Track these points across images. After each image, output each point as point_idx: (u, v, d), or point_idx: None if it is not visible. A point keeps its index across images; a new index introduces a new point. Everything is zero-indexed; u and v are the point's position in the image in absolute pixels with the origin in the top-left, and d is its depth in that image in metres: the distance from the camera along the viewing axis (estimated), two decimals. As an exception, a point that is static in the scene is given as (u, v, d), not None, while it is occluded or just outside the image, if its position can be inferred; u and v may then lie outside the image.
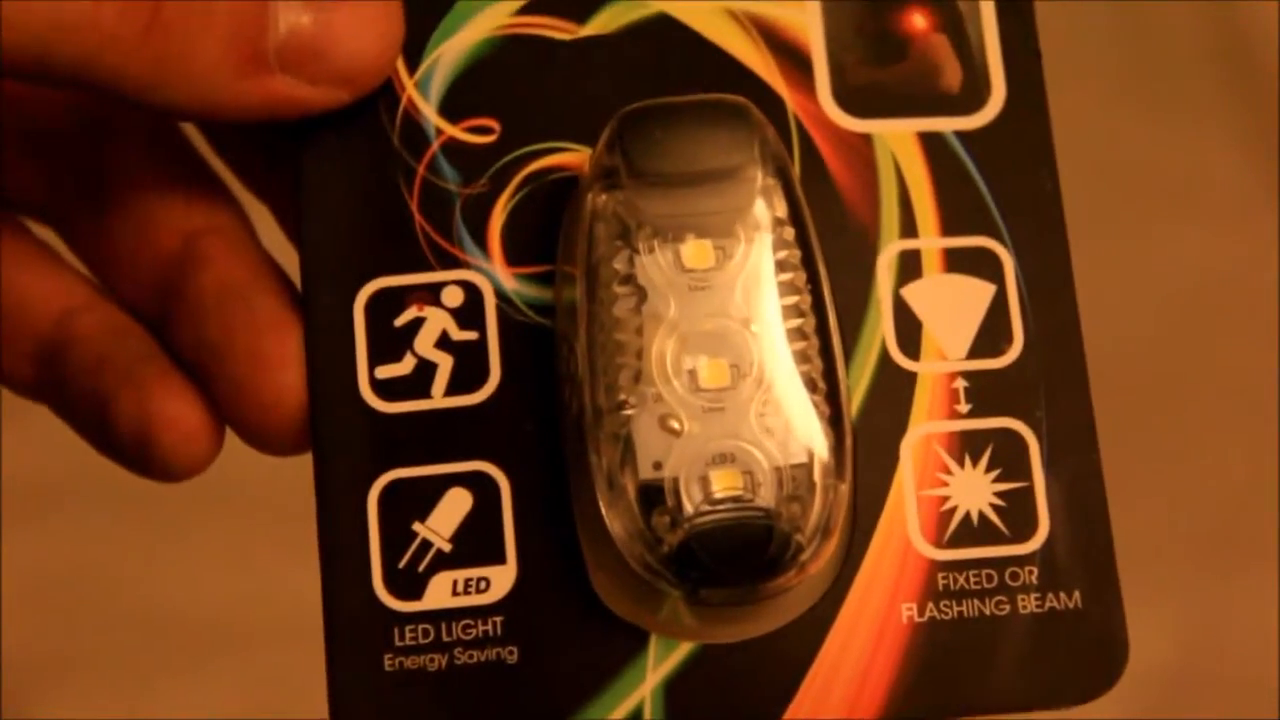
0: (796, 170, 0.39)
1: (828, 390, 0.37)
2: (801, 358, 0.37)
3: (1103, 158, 0.78)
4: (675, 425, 0.37)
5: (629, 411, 0.37)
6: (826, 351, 0.37)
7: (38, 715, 0.81)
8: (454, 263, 0.39)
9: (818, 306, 0.38)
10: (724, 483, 0.37)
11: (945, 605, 0.38)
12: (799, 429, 0.37)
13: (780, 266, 0.38)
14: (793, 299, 0.38)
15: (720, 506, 0.37)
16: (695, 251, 0.38)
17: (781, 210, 0.38)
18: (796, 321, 0.37)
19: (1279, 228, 0.86)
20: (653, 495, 0.37)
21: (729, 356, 0.37)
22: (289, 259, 0.41)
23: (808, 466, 0.37)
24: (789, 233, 0.38)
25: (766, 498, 0.37)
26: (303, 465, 0.84)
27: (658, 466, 0.37)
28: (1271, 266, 0.85)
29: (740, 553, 0.36)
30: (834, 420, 0.37)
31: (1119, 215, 0.79)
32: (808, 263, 0.38)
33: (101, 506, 0.83)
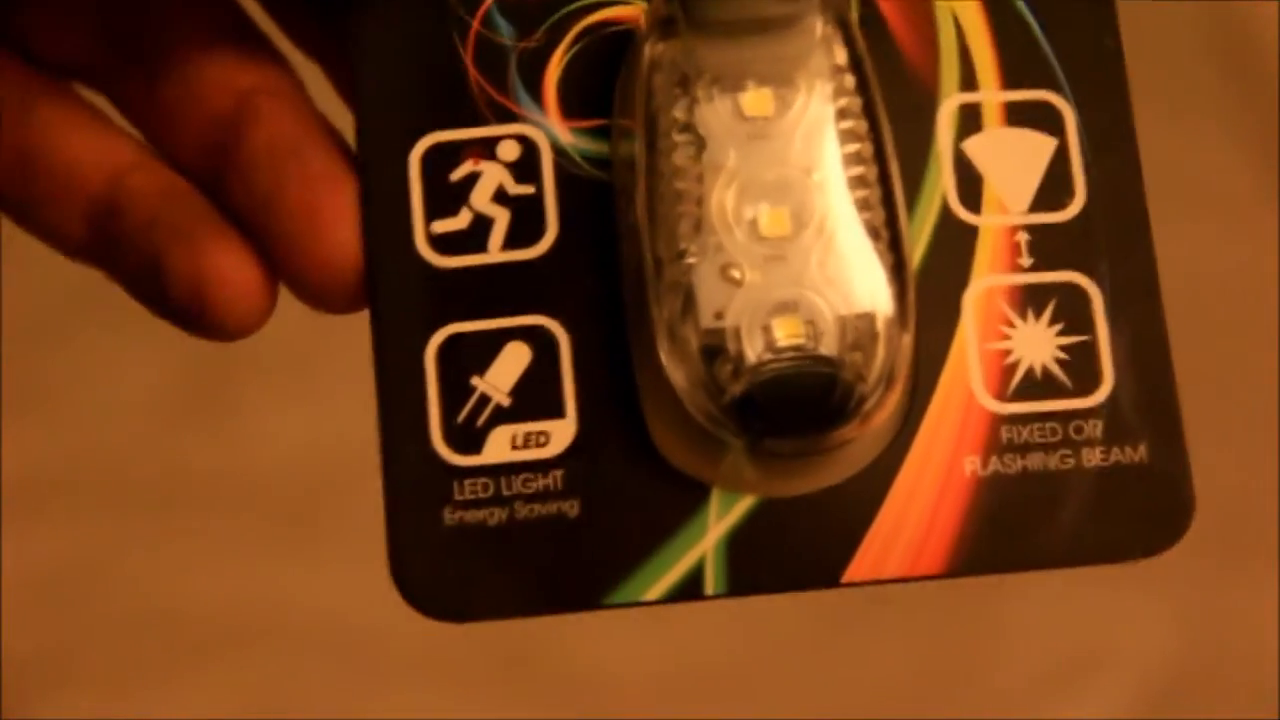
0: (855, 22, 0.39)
1: (890, 239, 0.37)
2: (863, 205, 0.37)
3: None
4: (736, 274, 0.36)
5: (690, 260, 0.37)
6: (888, 200, 0.37)
7: (38, 715, 0.82)
8: (509, 117, 0.39)
9: (879, 155, 0.37)
10: (786, 331, 0.36)
11: (1009, 459, 0.38)
12: (861, 278, 0.37)
13: (840, 114, 0.37)
14: (853, 147, 0.37)
15: (783, 355, 0.36)
16: (755, 99, 0.37)
17: (842, 58, 0.38)
18: (858, 169, 0.37)
19: (1279, 228, 0.86)
20: (715, 344, 0.36)
21: (790, 205, 0.37)
22: (342, 121, 0.40)
23: (870, 316, 0.37)
24: (849, 80, 0.37)
25: (829, 346, 0.36)
26: (303, 464, 0.84)
27: (719, 316, 0.36)
28: (1271, 266, 0.85)
29: (803, 401, 0.36)
30: (896, 269, 0.37)
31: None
32: (868, 111, 0.37)
33: (101, 505, 0.84)
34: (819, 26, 0.37)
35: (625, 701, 0.80)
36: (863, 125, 0.37)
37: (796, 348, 0.36)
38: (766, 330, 0.36)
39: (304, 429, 0.84)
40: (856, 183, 0.37)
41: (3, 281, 0.78)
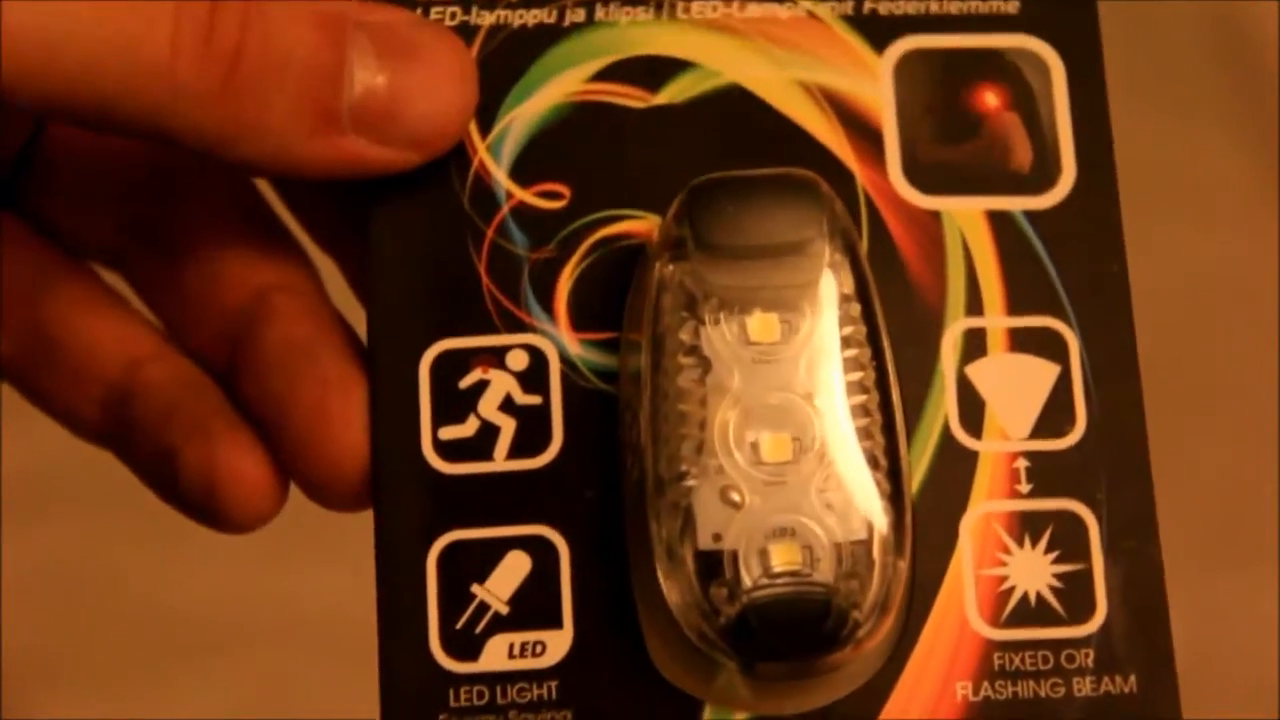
0: (864, 245, 0.39)
1: (889, 467, 0.37)
2: (864, 434, 0.37)
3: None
4: (736, 498, 0.37)
5: (690, 482, 0.37)
6: (889, 428, 0.38)
7: (38, 715, 0.82)
8: (520, 327, 0.39)
9: (881, 383, 0.38)
10: (783, 557, 0.37)
11: (1000, 685, 0.38)
12: (859, 505, 0.37)
13: (845, 342, 0.38)
14: (856, 375, 0.38)
15: (778, 580, 0.37)
16: (761, 325, 0.38)
17: (848, 286, 0.38)
18: (860, 398, 0.38)
19: (1279, 228, 0.86)
20: (711, 566, 0.37)
21: (791, 430, 0.37)
22: (356, 315, 0.41)
23: (867, 543, 0.37)
24: (855, 309, 0.38)
25: (825, 573, 0.37)
26: None
27: (717, 538, 0.37)
28: (1271, 266, 0.85)
29: (797, 627, 0.37)
30: (894, 497, 0.37)
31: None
32: (872, 339, 0.38)
33: (101, 506, 0.83)
34: (827, 253, 0.38)
35: None
36: (866, 353, 0.38)
37: (792, 573, 0.37)
38: (763, 554, 0.37)
39: None
40: (858, 411, 0.38)
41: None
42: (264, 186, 0.43)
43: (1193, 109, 0.89)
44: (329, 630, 0.82)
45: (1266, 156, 0.88)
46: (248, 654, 0.82)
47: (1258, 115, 0.90)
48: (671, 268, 0.38)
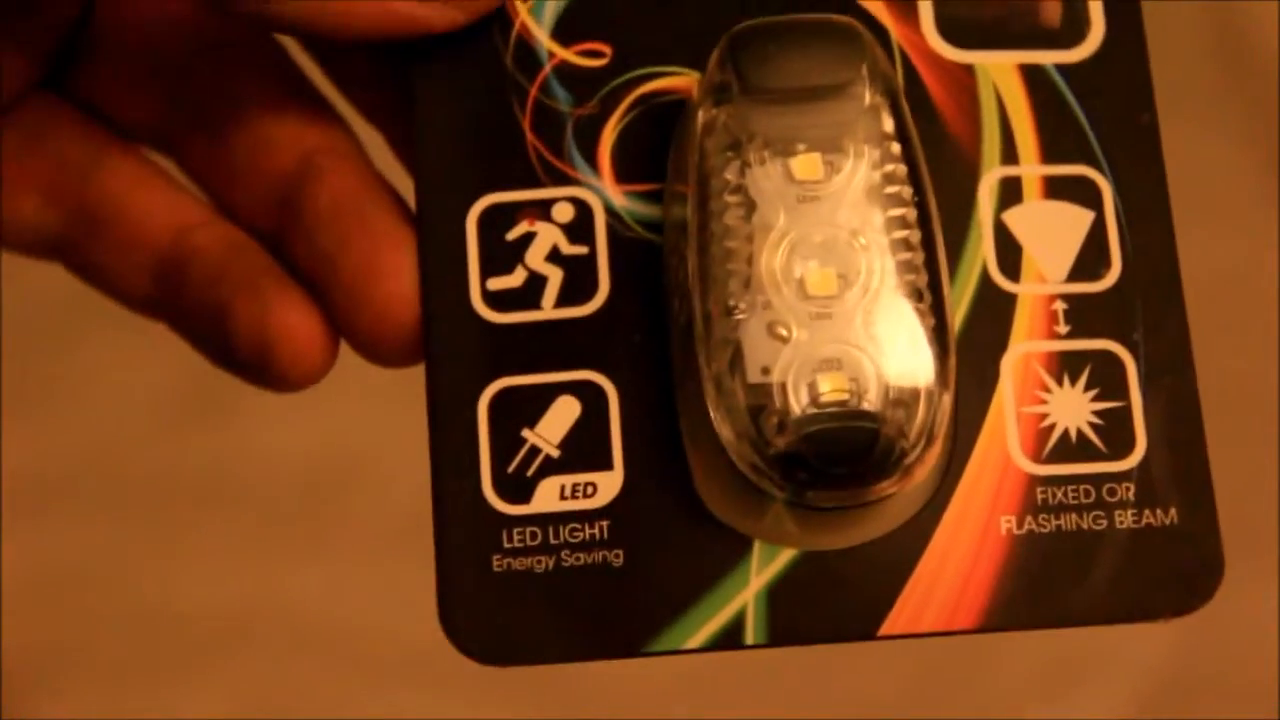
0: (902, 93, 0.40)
1: (932, 301, 0.38)
2: (907, 268, 0.38)
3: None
4: (783, 332, 0.38)
5: (738, 317, 0.38)
6: (931, 263, 0.38)
7: (38, 715, 0.82)
8: (565, 180, 0.40)
9: (923, 220, 0.38)
10: (831, 386, 0.37)
11: (1044, 519, 0.39)
12: (904, 337, 0.38)
13: (887, 180, 0.38)
14: (899, 211, 0.38)
15: (827, 410, 0.37)
16: (805, 164, 0.38)
17: (889, 126, 0.39)
18: (902, 233, 0.38)
19: (1279, 228, 0.87)
20: (761, 399, 0.37)
21: (836, 265, 0.38)
22: (401, 185, 0.42)
23: (912, 373, 0.38)
24: (895, 148, 0.39)
25: (873, 402, 0.37)
26: (304, 465, 0.84)
27: (765, 371, 0.37)
28: (1271, 266, 0.86)
29: (847, 455, 0.37)
30: (938, 330, 0.38)
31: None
32: (913, 177, 0.39)
33: (102, 505, 0.84)
34: (867, 95, 0.39)
35: (624, 702, 0.80)
36: (908, 191, 0.38)
37: (840, 403, 0.37)
38: (812, 386, 0.37)
39: (304, 429, 0.84)
40: (900, 246, 0.38)
41: (3, 282, 0.79)
42: (311, 68, 0.44)
43: (1193, 109, 0.89)
44: (329, 630, 0.82)
45: (1266, 156, 0.89)
46: (248, 654, 0.82)
47: (1258, 115, 0.91)
48: (715, 111, 0.39)
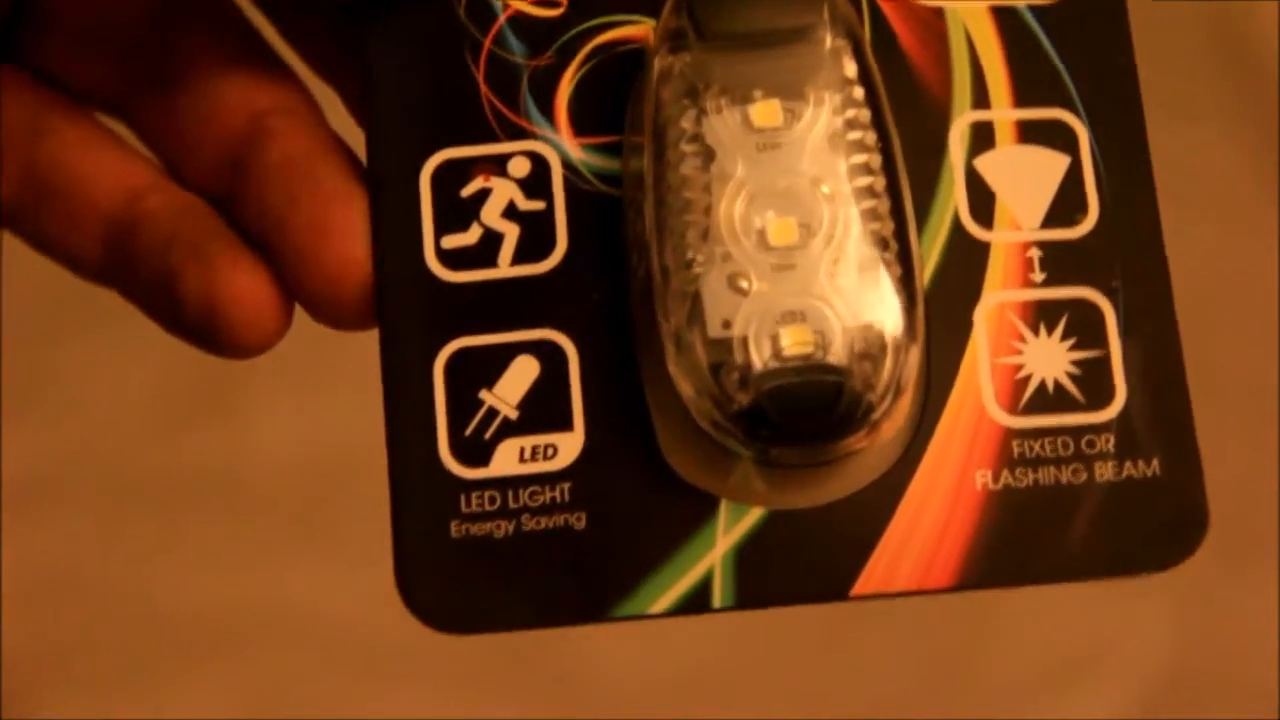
0: (867, 42, 0.39)
1: (899, 250, 0.37)
2: (871, 216, 0.37)
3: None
4: (744, 284, 0.36)
5: (697, 270, 0.37)
6: (897, 211, 0.37)
7: (38, 715, 0.81)
8: (521, 134, 0.39)
9: (888, 166, 0.37)
10: (794, 339, 0.36)
11: (1021, 472, 0.38)
12: (869, 287, 0.36)
13: (849, 126, 0.37)
14: (862, 158, 0.37)
15: (790, 363, 0.36)
16: (763, 111, 0.37)
17: (851, 71, 0.38)
18: (866, 180, 0.37)
19: (1279, 228, 0.86)
20: (721, 354, 0.36)
21: (798, 215, 0.37)
22: (358, 144, 0.41)
23: (878, 325, 0.36)
24: (858, 93, 0.37)
25: (837, 355, 0.36)
26: (304, 464, 0.84)
27: (726, 325, 0.36)
28: (1271, 266, 0.85)
29: (811, 410, 0.36)
30: (904, 279, 0.37)
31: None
32: (877, 123, 0.37)
33: (101, 505, 0.84)
34: (828, 39, 0.37)
35: (625, 701, 0.79)
36: (871, 137, 0.37)
37: (804, 356, 0.36)
38: (774, 339, 0.36)
39: (304, 429, 0.84)
40: (864, 193, 0.37)
41: (3, 281, 0.79)
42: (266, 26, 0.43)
43: (1193, 109, 0.89)
44: (329, 630, 0.82)
45: (1267, 156, 0.88)
46: (248, 654, 0.82)
47: (1258, 115, 0.90)
48: (671, 59, 0.38)
